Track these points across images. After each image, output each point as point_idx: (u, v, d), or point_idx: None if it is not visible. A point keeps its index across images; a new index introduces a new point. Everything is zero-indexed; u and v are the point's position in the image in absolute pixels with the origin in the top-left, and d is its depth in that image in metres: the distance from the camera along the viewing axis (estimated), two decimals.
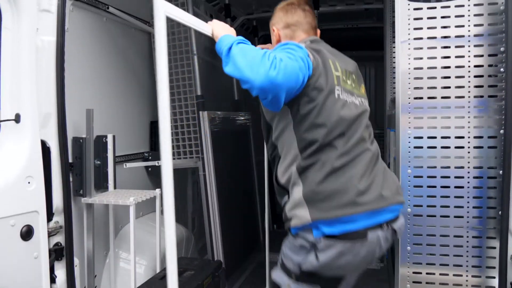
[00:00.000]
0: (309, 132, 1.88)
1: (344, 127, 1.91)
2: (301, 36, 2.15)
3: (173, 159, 3.46)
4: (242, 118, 4.31)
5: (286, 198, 1.94)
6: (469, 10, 2.04)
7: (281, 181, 1.96)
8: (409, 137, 2.13)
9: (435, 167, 2.11)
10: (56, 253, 2.30)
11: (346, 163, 1.86)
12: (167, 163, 1.55)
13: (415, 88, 2.12)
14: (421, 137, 2.12)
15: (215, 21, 1.98)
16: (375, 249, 1.84)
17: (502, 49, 2.00)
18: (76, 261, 2.42)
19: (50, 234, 2.27)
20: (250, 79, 1.68)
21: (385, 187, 1.90)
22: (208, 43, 4.33)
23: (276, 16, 2.22)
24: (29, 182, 2.13)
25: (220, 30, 1.92)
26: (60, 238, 2.34)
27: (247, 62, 1.70)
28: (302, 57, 1.83)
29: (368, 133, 2.03)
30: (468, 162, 2.07)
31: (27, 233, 2.10)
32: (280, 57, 1.73)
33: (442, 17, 2.08)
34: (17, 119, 2.12)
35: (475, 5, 2.04)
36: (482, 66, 2.05)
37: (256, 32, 5.23)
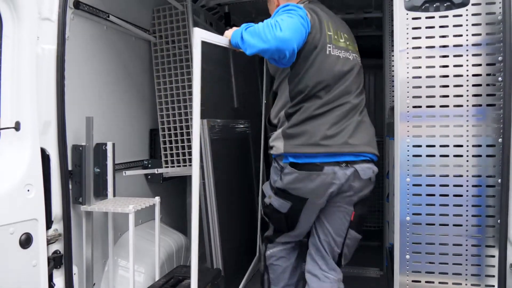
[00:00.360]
0: (300, 83, 2.30)
1: (331, 80, 2.31)
2: None
3: (173, 166, 3.48)
4: (242, 126, 4.32)
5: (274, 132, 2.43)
6: (467, 20, 2.06)
7: (273, 121, 2.47)
8: (408, 146, 2.14)
9: (434, 175, 2.12)
10: (54, 261, 2.30)
11: (323, 112, 2.28)
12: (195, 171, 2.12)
13: (414, 97, 2.13)
14: (420, 146, 2.13)
15: (226, 32, 2.39)
16: (331, 181, 2.28)
17: (500, 58, 2.01)
18: (74, 269, 2.41)
19: (49, 242, 2.27)
20: (265, 48, 2.08)
21: (354, 136, 2.30)
22: (208, 52, 4.35)
23: None
24: (28, 190, 2.13)
25: (230, 33, 2.33)
26: (59, 246, 2.34)
27: (256, 37, 2.10)
28: (301, 15, 2.19)
29: (356, 86, 2.41)
30: (467, 171, 2.08)
31: (26, 241, 2.10)
32: (281, 18, 2.11)
33: (441, 27, 2.09)
34: (17, 127, 2.13)
35: (473, 14, 2.05)
36: (480, 75, 2.06)
37: None
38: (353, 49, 2.49)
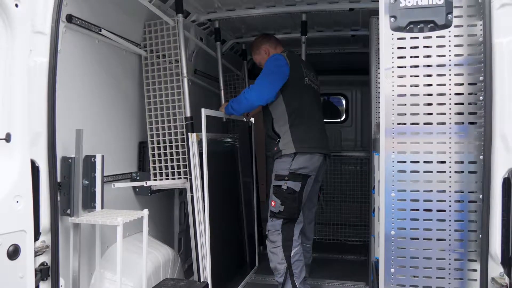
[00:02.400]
0: (293, 104, 3.53)
1: (310, 101, 3.63)
2: (278, 46, 3.91)
3: (161, 179, 3.49)
4: (230, 140, 4.36)
5: (278, 139, 3.54)
6: (449, 41, 2.14)
7: (277, 131, 3.57)
8: (392, 161, 2.19)
9: (418, 190, 2.17)
10: (41, 273, 2.29)
11: (311, 125, 3.58)
12: None
13: (399, 114, 2.19)
14: (404, 162, 2.18)
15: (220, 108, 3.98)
16: (318, 163, 3.53)
17: (481, 78, 2.09)
18: (61, 281, 2.40)
19: (37, 254, 2.27)
20: (248, 109, 3.75)
21: (325, 142, 3.68)
22: (198, 67, 4.40)
23: (262, 43, 3.93)
24: (17, 201, 2.13)
25: (222, 108, 3.90)
26: (46, 258, 2.33)
27: (240, 105, 3.64)
28: (281, 64, 3.51)
29: (320, 106, 3.85)
30: (450, 187, 2.14)
31: (13, 253, 2.09)
32: (253, 84, 3.54)
33: (425, 47, 2.16)
34: (7, 138, 2.13)
35: (455, 36, 2.13)
36: (462, 94, 2.13)
37: (245, 55, 5.31)
38: (317, 82, 3.87)
